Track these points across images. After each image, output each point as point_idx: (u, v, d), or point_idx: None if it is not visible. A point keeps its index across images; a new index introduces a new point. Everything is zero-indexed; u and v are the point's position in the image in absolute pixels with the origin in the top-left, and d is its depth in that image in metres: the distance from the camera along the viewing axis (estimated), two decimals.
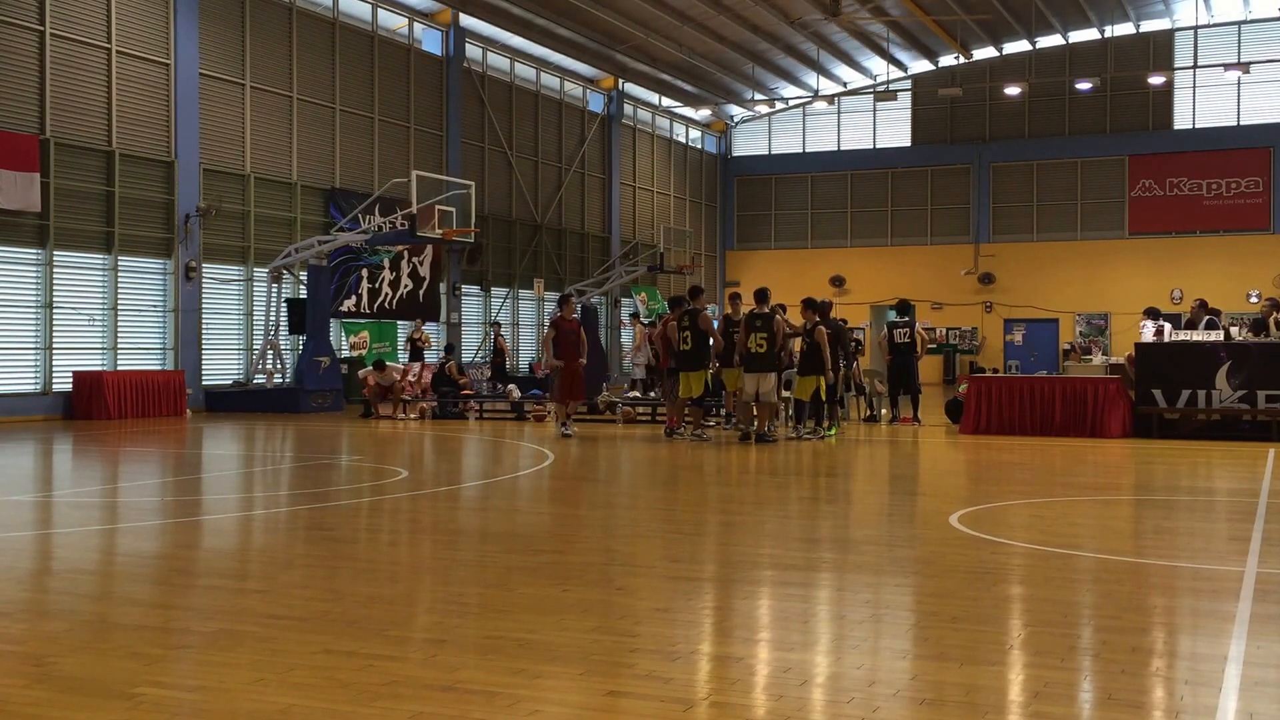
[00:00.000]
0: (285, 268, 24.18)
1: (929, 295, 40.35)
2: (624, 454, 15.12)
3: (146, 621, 5.79)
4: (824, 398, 16.96)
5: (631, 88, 39.08)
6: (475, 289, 32.50)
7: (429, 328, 29.06)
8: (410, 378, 23.24)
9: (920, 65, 41.76)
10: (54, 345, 21.31)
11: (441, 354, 26.78)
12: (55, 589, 6.81)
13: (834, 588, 6.72)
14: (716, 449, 15.30)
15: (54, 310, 21.29)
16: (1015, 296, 40.78)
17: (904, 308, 20.93)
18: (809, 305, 17.06)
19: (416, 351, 26.78)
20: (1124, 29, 39.39)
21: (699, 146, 44.48)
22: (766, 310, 16.39)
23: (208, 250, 24.01)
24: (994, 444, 16.28)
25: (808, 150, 44.01)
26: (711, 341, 16.58)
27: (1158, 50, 39.21)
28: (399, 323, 29.27)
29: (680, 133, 43.28)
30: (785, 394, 17.78)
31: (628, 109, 39.44)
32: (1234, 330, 19.11)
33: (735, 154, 45.60)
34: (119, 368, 22.14)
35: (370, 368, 22.45)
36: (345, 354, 26.83)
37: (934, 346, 35.26)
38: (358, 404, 23.85)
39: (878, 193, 43.02)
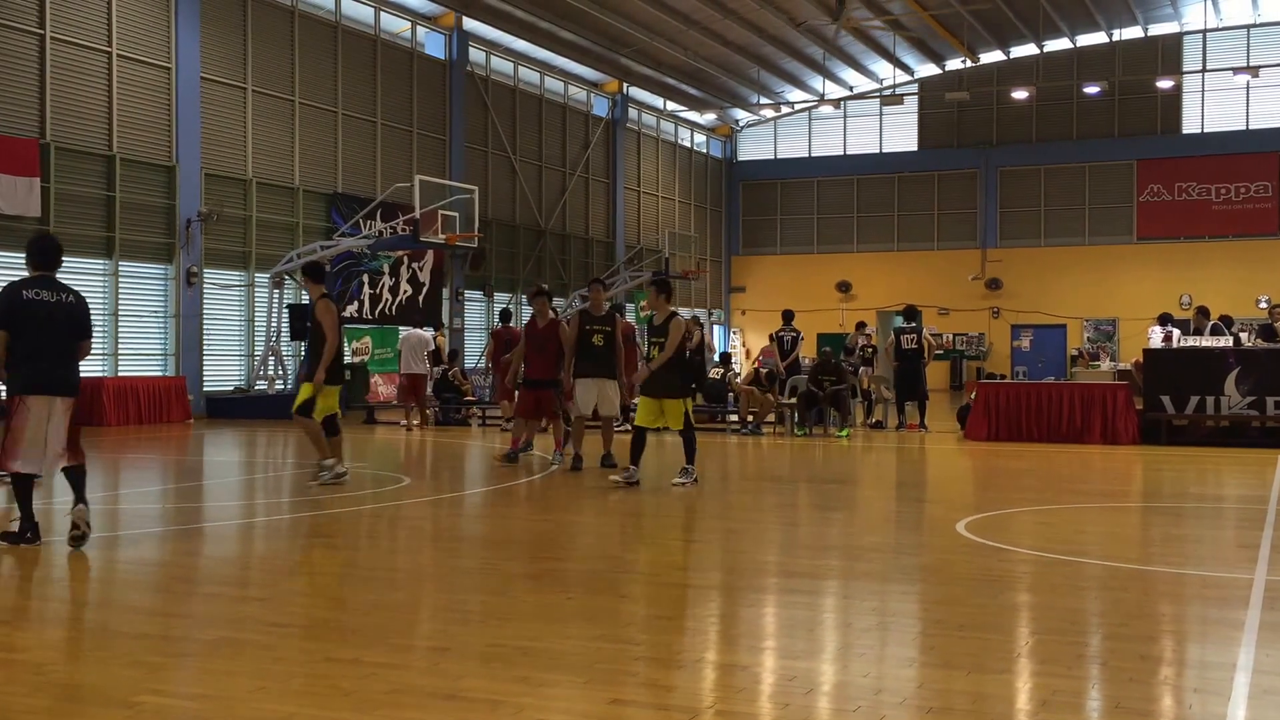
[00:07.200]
0: (287, 273, 24.14)
1: (936, 301, 40.27)
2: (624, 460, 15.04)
3: (147, 629, 5.76)
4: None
5: (636, 92, 39.08)
6: (478, 294, 32.48)
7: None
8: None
9: (926, 69, 41.73)
10: None
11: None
12: (56, 596, 6.79)
13: (840, 595, 6.68)
14: (717, 453, 15.25)
15: None
16: (1022, 302, 40.70)
17: (911, 313, 20.85)
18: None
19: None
20: (1132, 32, 39.34)
21: (704, 151, 44.46)
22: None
23: (209, 255, 23.99)
24: (1001, 450, 16.23)
25: (813, 154, 43.97)
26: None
27: (1166, 54, 39.15)
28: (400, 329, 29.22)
29: (685, 137, 43.27)
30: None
31: (632, 113, 39.42)
32: (1243, 336, 19.05)
33: (740, 158, 45.59)
34: (120, 374, 22.11)
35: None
36: (348, 360, 26.79)
37: (940, 353, 35.20)
38: (360, 410, 23.82)
39: (884, 197, 42.98)
